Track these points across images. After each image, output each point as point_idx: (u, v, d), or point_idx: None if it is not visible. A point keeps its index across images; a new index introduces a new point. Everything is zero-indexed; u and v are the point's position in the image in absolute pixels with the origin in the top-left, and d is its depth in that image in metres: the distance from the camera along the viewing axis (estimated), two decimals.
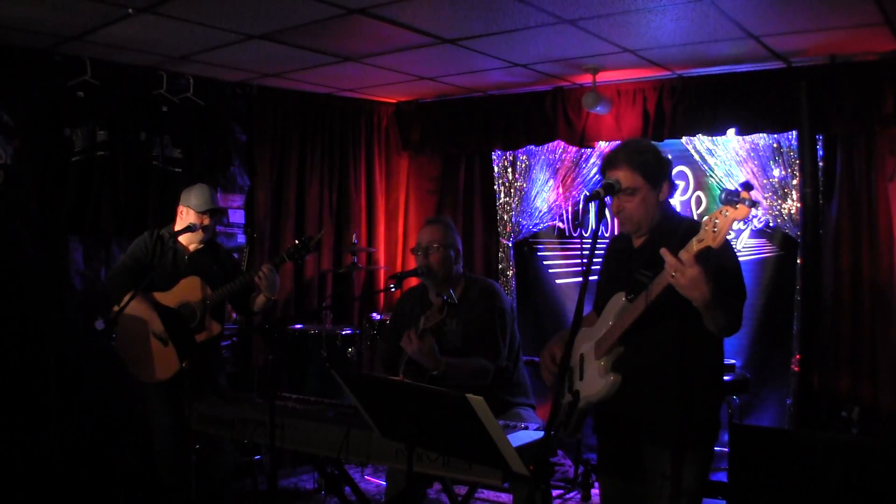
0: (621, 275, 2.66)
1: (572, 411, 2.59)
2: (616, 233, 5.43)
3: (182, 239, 4.04)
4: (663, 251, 2.23)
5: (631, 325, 2.46)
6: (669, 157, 2.70)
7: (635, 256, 2.67)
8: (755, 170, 4.80)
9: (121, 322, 3.82)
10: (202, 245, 4.08)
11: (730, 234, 2.19)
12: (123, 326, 3.88)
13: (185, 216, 4.02)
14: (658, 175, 2.63)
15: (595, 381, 2.57)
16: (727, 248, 2.44)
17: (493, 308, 3.53)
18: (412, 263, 6.10)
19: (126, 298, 3.68)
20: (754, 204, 2.09)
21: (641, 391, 2.54)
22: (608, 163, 2.67)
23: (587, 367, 2.64)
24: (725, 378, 4.33)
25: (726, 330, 2.43)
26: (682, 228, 2.55)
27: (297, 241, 3.97)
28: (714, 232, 2.13)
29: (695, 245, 2.18)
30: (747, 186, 2.10)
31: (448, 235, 3.60)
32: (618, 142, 5.26)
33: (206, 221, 4.03)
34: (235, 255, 4.97)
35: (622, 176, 2.59)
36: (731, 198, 2.10)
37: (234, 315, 4.87)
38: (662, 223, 2.64)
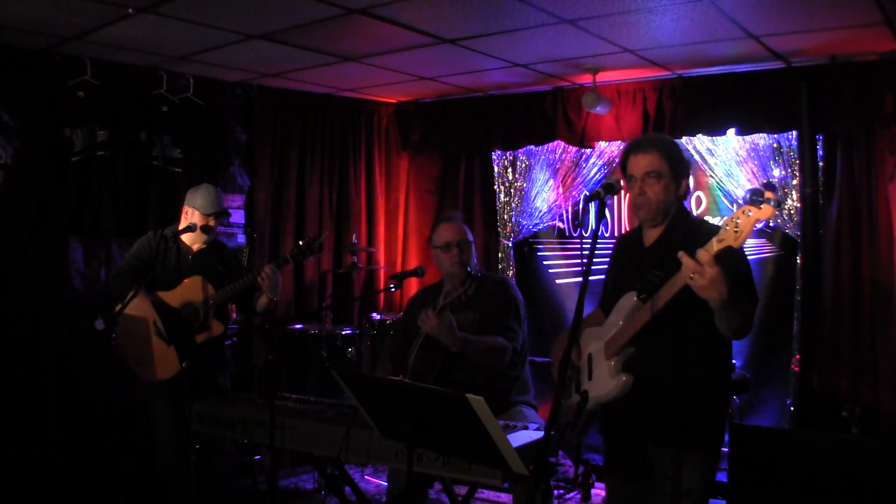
0: (631, 274, 2.62)
1: (580, 412, 2.55)
2: (618, 232, 5.45)
3: (185, 239, 4.04)
4: (681, 255, 2.20)
5: (644, 325, 2.44)
6: None
7: (646, 255, 2.64)
8: (755, 170, 4.80)
9: (123, 321, 3.82)
10: (206, 245, 4.08)
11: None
12: (125, 326, 3.88)
13: (190, 216, 4.01)
14: (682, 169, 2.63)
15: (605, 381, 2.55)
16: (740, 252, 2.41)
17: (509, 297, 3.56)
18: (412, 263, 6.15)
19: (129, 295, 3.69)
20: (779, 203, 2.06)
21: (648, 391, 2.52)
22: (635, 146, 2.63)
23: (596, 367, 2.61)
24: None
25: (739, 332, 2.41)
26: (694, 227, 2.54)
27: (300, 242, 3.95)
28: (736, 232, 2.09)
29: (715, 245, 2.15)
30: (771, 186, 2.07)
31: (466, 232, 3.65)
32: (618, 141, 5.27)
33: (212, 223, 4.03)
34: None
35: (649, 159, 2.57)
36: (756, 197, 2.05)
37: (234, 315, 4.88)
38: (678, 221, 2.62)
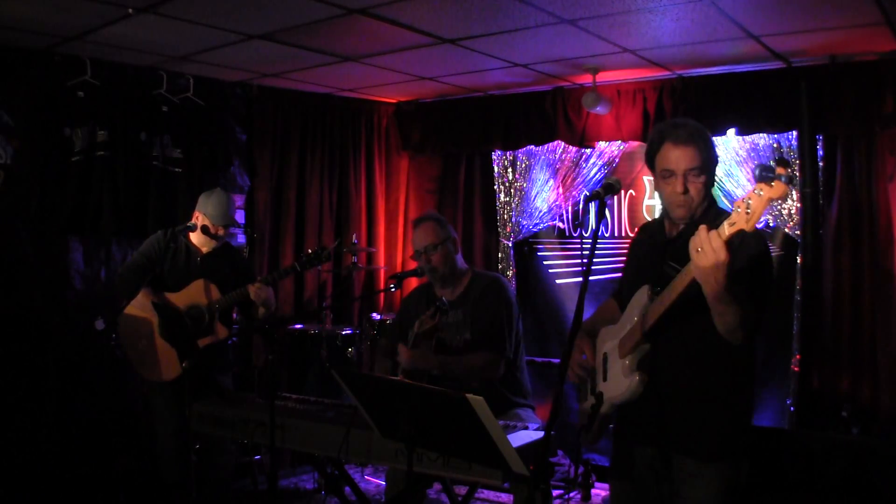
0: (650, 266, 2.49)
1: (595, 414, 2.42)
2: (618, 232, 5.44)
3: (195, 241, 4.06)
4: (702, 228, 2.02)
5: (656, 320, 2.29)
6: None
7: (668, 246, 2.50)
8: (755, 170, 4.80)
9: (127, 321, 3.82)
10: (215, 248, 4.09)
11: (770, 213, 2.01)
12: (129, 326, 3.88)
13: (201, 223, 4.02)
14: (716, 161, 2.49)
15: (619, 381, 2.41)
16: (766, 256, 2.26)
17: (500, 299, 3.54)
18: (412, 263, 6.13)
19: (127, 301, 3.69)
20: (791, 180, 1.85)
21: (663, 394, 2.39)
22: (673, 136, 2.43)
23: (610, 367, 2.49)
24: None
25: (730, 333, 2.22)
26: (721, 217, 2.39)
27: (309, 251, 3.97)
28: (748, 213, 1.91)
29: (726, 228, 1.97)
30: (783, 162, 1.85)
31: (440, 231, 3.60)
32: (618, 141, 5.27)
33: (221, 232, 4.05)
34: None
35: (692, 154, 2.39)
36: (766, 174, 1.85)
37: (234, 315, 4.88)
38: (705, 214, 2.45)
